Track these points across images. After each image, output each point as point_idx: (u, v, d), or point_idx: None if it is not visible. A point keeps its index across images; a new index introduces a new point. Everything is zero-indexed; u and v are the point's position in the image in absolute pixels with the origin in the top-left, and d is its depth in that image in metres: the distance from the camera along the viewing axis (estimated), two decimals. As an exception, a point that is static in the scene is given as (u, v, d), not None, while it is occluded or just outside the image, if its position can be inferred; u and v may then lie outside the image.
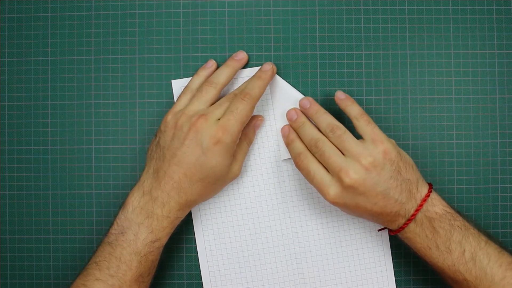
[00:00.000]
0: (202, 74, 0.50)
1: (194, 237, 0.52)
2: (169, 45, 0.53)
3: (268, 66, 0.50)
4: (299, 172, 0.52)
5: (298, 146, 0.48)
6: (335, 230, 0.52)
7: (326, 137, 0.47)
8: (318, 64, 0.52)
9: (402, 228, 0.45)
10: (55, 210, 0.53)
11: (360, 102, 0.52)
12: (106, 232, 0.47)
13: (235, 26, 0.53)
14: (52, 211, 0.53)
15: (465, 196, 0.52)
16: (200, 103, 0.48)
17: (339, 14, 0.53)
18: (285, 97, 0.52)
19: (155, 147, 0.48)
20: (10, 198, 0.53)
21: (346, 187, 0.45)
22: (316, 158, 0.47)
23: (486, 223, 0.52)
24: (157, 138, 0.48)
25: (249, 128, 0.51)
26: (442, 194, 0.52)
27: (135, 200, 0.46)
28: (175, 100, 0.52)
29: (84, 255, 0.53)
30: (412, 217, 0.45)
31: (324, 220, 0.52)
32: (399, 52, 0.52)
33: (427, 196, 0.45)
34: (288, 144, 0.50)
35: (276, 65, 0.52)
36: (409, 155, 0.49)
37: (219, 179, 0.47)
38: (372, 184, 0.45)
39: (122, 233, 0.45)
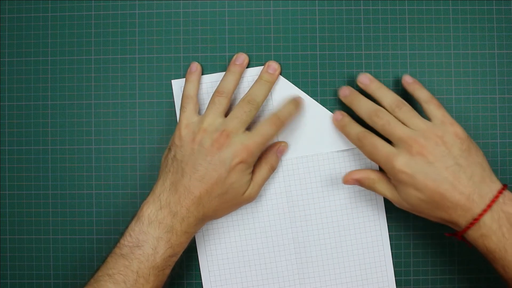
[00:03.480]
0: (194, 79, 0.50)
1: (194, 237, 0.52)
2: (169, 45, 0.53)
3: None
4: (299, 171, 0.52)
5: (356, 126, 0.48)
6: (335, 230, 0.52)
7: (391, 113, 0.46)
8: (318, 64, 0.52)
9: (477, 219, 0.41)
10: (55, 210, 0.53)
11: (360, 102, 0.52)
12: (116, 243, 0.45)
13: (235, 26, 0.53)
14: (52, 211, 0.53)
15: None
16: (216, 116, 0.47)
17: (339, 14, 0.53)
18: (287, 94, 0.52)
19: (171, 161, 0.47)
20: (10, 198, 0.53)
21: (415, 154, 0.43)
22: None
23: (486, 223, 0.52)
24: (173, 152, 0.47)
25: (271, 153, 0.50)
26: (442, 194, 0.52)
27: (151, 213, 0.45)
28: (175, 100, 0.52)
29: (84, 255, 0.53)
30: (492, 202, 0.41)
31: (324, 220, 0.52)
32: (399, 52, 0.52)
33: (504, 187, 0.43)
34: (343, 127, 0.49)
35: (276, 65, 0.52)
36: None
37: (235, 197, 0.47)
38: (441, 155, 0.43)
39: (138, 246, 0.44)
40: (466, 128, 0.52)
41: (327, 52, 0.53)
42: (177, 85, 0.52)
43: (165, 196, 0.45)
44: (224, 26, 0.53)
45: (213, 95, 0.49)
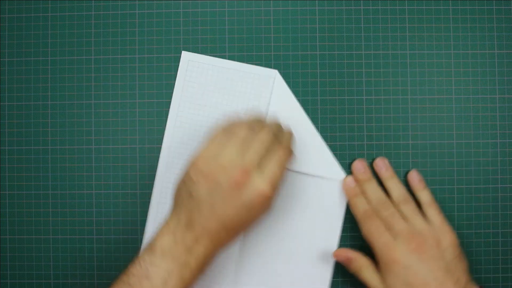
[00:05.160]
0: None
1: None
2: (169, 45, 0.53)
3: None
4: (297, 173, 0.52)
5: (364, 203, 0.50)
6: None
7: (396, 205, 0.49)
8: (318, 64, 0.52)
9: None
10: (55, 210, 0.53)
11: (360, 102, 0.52)
12: (124, 270, 0.43)
13: (235, 26, 0.53)
14: (52, 211, 0.53)
15: (465, 196, 0.52)
16: (234, 149, 0.44)
17: (339, 14, 0.53)
18: (284, 102, 0.52)
19: (186, 197, 0.44)
20: (10, 198, 0.53)
21: (413, 250, 0.46)
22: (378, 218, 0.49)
23: (486, 223, 0.52)
24: (188, 187, 0.44)
25: None
26: (442, 194, 0.52)
27: (165, 246, 0.43)
28: (179, 72, 0.52)
29: (84, 255, 0.53)
30: None
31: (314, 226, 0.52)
32: (399, 52, 0.52)
33: None
34: (352, 197, 0.51)
35: (276, 65, 0.52)
36: (409, 155, 0.50)
37: (251, 227, 0.47)
38: (436, 256, 0.46)
39: (147, 277, 0.42)
40: (466, 128, 0.52)
41: (327, 52, 0.52)
42: (186, 58, 0.52)
43: (180, 232, 0.43)
44: (224, 26, 0.53)
45: (229, 124, 0.46)
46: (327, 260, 0.52)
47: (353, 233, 0.52)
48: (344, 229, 0.52)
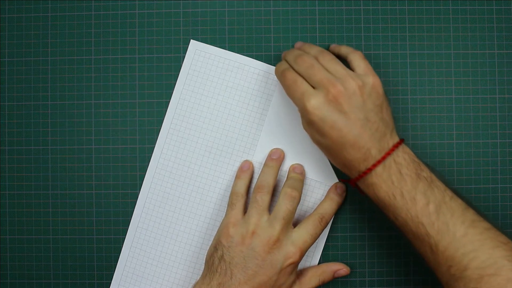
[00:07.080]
0: (245, 177, 0.50)
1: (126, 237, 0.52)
2: (169, 45, 0.53)
3: (342, 188, 0.50)
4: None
5: (285, 63, 0.47)
6: None
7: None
8: (318, 64, 0.52)
9: (370, 169, 0.43)
10: (55, 210, 0.53)
11: (360, 102, 0.52)
12: None
13: (235, 26, 0.53)
14: (52, 211, 0.53)
15: (465, 196, 0.52)
16: (260, 214, 0.47)
17: (339, 14, 0.53)
18: (286, 102, 0.52)
19: (218, 261, 0.46)
20: (10, 198, 0.53)
21: (330, 99, 0.43)
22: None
23: (486, 223, 0.52)
24: (220, 252, 0.46)
25: (329, 272, 0.50)
26: (442, 194, 0.52)
27: None
28: (185, 60, 0.52)
29: (84, 255, 0.53)
30: (386, 155, 0.43)
31: None
32: (399, 52, 0.52)
33: (400, 142, 0.44)
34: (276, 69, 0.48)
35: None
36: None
37: None
38: (355, 106, 0.43)
39: None
40: (466, 128, 0.52)
41: (327, 52, 0.52)
42: (194, 47, 0.52)
43: None
44: (224, 26, 0.53)
45: (254, 191, 0.48)
46: (311, 260, 0.52)
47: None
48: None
